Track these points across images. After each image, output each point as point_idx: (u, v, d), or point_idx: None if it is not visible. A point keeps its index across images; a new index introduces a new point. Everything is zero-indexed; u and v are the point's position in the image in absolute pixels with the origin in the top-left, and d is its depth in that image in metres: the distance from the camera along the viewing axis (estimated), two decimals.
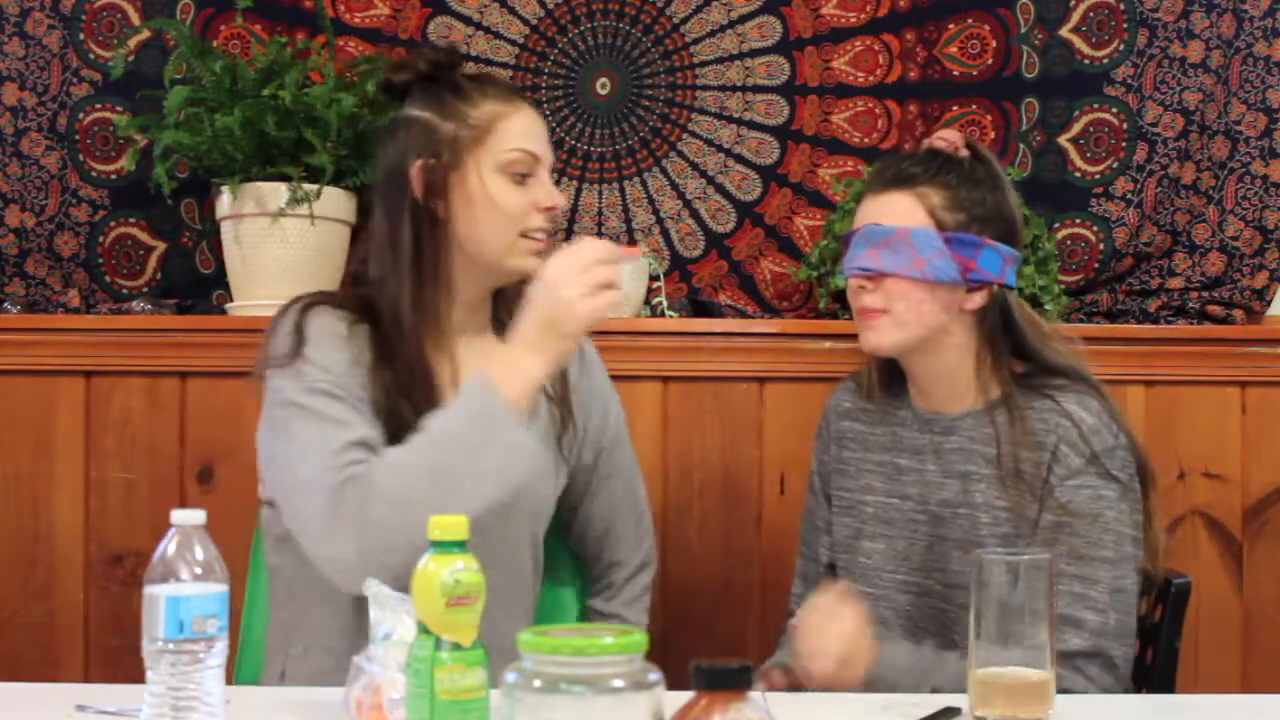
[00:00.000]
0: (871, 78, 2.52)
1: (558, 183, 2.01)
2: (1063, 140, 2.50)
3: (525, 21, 2.53)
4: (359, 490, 1.50)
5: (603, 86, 2.53)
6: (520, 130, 1.67)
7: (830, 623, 1.56)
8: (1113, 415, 1.68)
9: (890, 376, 1.83)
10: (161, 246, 2.53)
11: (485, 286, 1.72)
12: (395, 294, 1.65)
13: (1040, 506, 1.66)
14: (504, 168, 1.66)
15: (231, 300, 2.41)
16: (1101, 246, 2.48)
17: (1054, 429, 1.66)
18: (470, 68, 1.78)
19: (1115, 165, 2.49)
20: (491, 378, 1.52)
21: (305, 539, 1.56)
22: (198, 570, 1.16)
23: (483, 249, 1.66)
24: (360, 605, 1.34)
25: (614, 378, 1.90)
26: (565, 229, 2.50)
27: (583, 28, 2.53)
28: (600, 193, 2.53)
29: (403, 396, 1.62)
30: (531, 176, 1.68)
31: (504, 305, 1.75)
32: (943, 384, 1.76)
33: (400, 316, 1.64)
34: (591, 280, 1.52)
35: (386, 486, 1.49)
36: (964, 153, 1.75)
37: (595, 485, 1.85)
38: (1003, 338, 1.72)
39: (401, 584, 1.44)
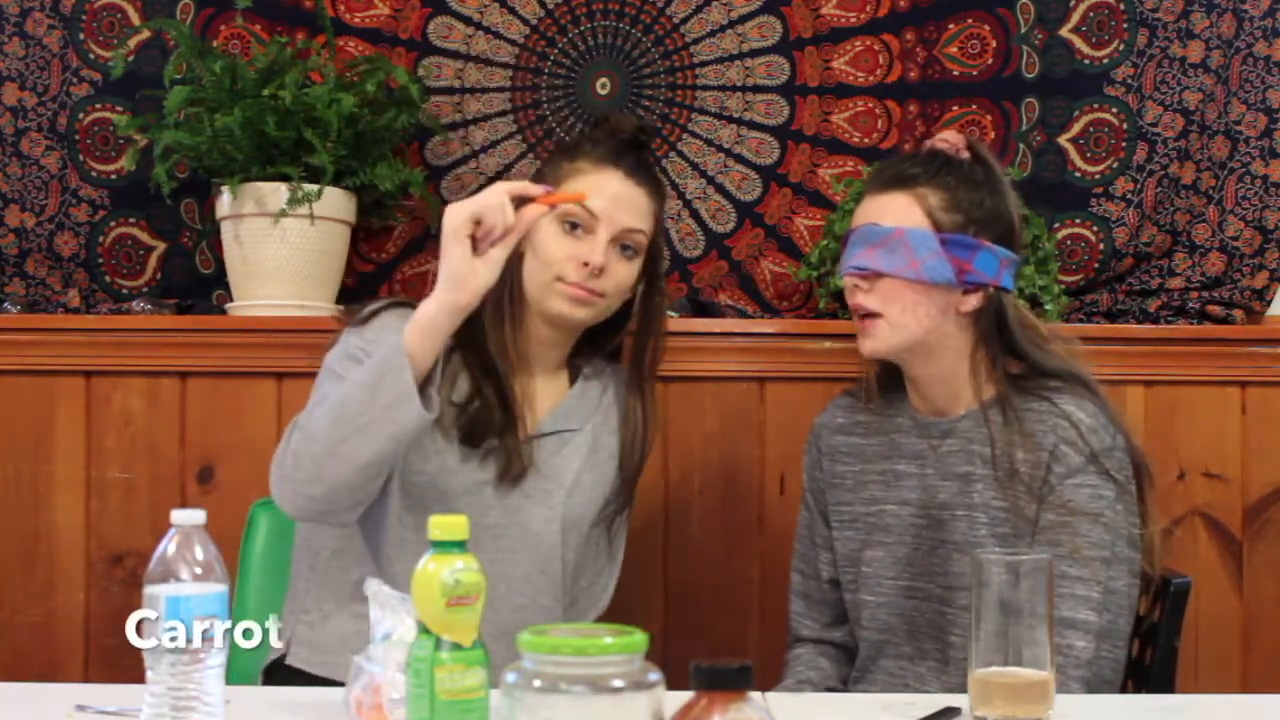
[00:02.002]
0: (871, 78, 2.52)
1: None
2: (1063, 140, 2.50)
3: (525, 21, 2.53)
4: (295, 424, 1.62)
5: (603, 86, 2.53)
6: (586, 187, 1.72)
7: None
8: (1110, 417, 1.68)
9: (888, 383, 1.83)
10: (161, 246, 2.53)
11: (543, 325, 1.77)
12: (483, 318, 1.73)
13: (1039, 506, 1.65)
14: (558, 215, 1.71)
15: (231, 300, 2.41)
16: (1101, 246, 2.48)
17: (1052, 429, 1.66)
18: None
19: (1115, 165, 2.49)
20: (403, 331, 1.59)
21: None
22: (198, 570, 1.16)
23: (526, 288, 1.75)
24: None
25: None
26: None
27: (583, 28, 2.53)
28: None
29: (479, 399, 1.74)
30: (585, 230, 1.72)
31: (582, 355, 1.84)
32: (940, 387, 1.75)
33: (482, 336, 1.74)
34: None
35: (306, 421, 1.60)
36: (965, 154, 1.74)
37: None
38: (997, 340, 1.72)
39: (323, 517, 1.63)
